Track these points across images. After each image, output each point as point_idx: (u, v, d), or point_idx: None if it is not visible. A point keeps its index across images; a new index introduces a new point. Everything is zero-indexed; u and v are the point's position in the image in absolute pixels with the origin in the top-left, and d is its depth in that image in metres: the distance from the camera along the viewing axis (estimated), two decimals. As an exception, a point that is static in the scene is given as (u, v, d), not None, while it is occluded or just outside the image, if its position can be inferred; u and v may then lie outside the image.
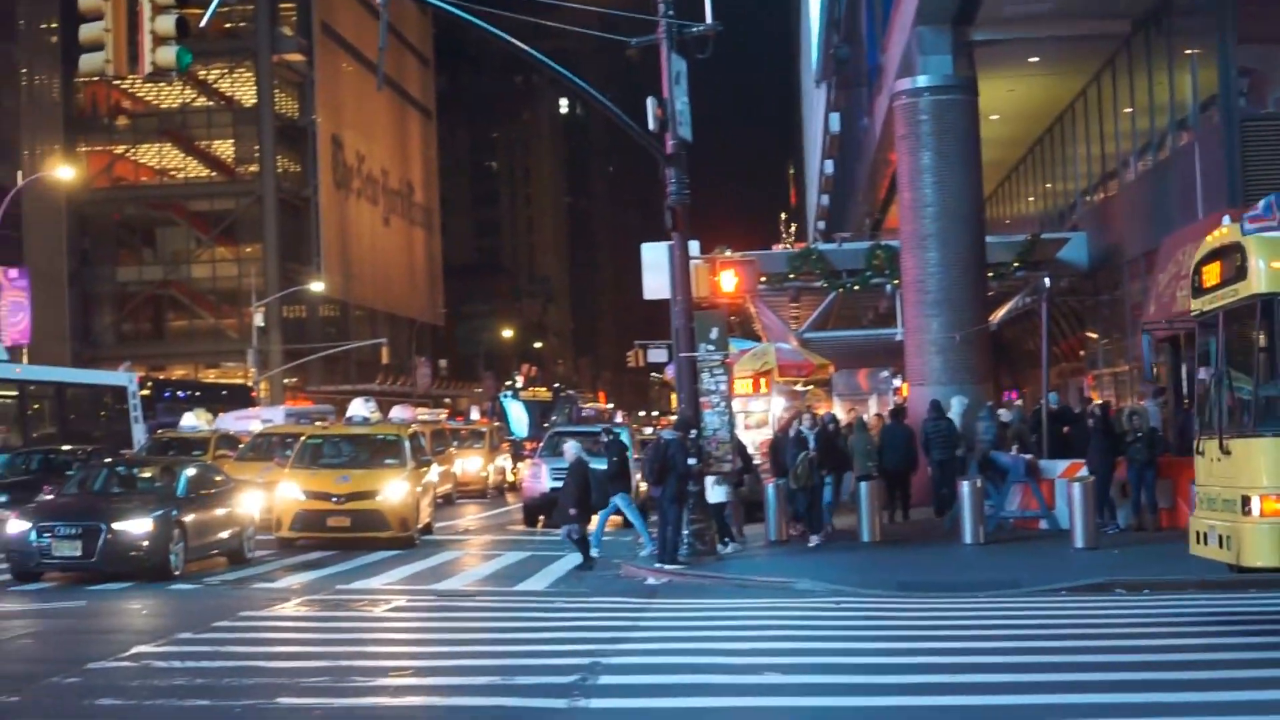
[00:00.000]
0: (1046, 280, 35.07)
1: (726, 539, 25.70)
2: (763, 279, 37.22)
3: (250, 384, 75.49)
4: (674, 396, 31.89)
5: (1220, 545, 15.80)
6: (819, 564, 23.19)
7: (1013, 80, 38.55)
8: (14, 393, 39.95)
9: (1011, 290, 41.90)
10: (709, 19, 25.34)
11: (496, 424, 60.68)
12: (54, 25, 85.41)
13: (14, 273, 51.34)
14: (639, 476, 30.31)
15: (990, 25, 34.07)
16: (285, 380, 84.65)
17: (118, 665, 14.43)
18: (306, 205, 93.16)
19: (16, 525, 22.50)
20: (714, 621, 17.60)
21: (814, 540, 25.90)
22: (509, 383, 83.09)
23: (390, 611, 19.01)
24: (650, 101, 24.89)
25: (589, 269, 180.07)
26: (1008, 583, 20.66)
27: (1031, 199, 52.31)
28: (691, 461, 24.54)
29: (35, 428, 40.39)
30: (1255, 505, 15.08)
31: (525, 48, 24.81)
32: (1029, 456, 28.06)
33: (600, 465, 26.78)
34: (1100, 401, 30.75)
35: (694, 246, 26.35)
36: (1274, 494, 15.02)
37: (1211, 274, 16.33)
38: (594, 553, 24.55)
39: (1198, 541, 16.48)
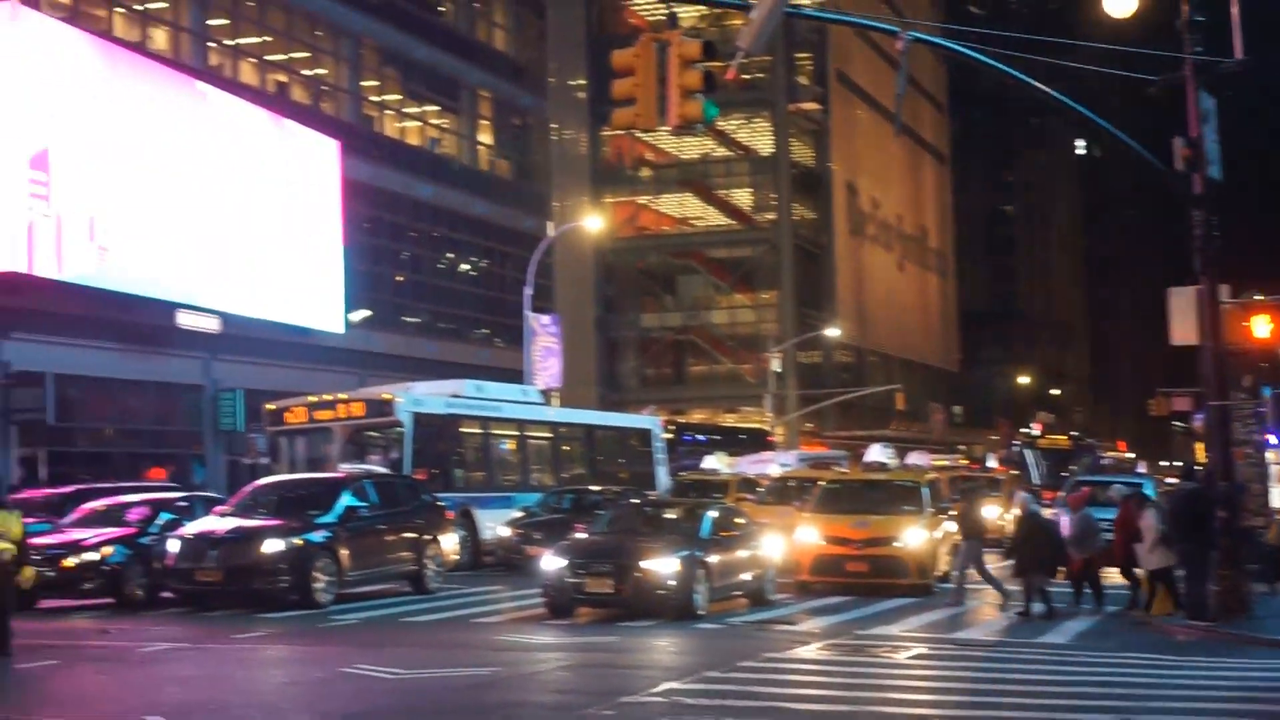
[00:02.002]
0: None
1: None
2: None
3: (768, 428, 76.71)
4: (1199, 446, 30.78)
5: None
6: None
7: None
8: (548, 434, 41.97)
9: None
10: (1239, 53, 24.27)
11: (1014, 472, 59.79)
12: (581, 82, 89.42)
13: (546, 319, 53.74)
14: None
15: None
16: (801, 425, 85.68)
17: (649, 700, 14.89)
18: (822, 251, 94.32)
19: (552, 562, 23.52)
20: (1250, 683, 16.84)
21: None
22: (1025, 430, 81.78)
23: (911, 659, 18.95)
24: (1177, 141, 24.04)
25: (1108, 314, 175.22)
26: None
27: None
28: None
29: (566, 468, 42.25)
30: None
31: (1047, 89, 24.41)
32: None
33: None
34: None
35: (1223, 290, 25.37)
36: None
37: None
38: (1036, 607, 24.27)
39: None
